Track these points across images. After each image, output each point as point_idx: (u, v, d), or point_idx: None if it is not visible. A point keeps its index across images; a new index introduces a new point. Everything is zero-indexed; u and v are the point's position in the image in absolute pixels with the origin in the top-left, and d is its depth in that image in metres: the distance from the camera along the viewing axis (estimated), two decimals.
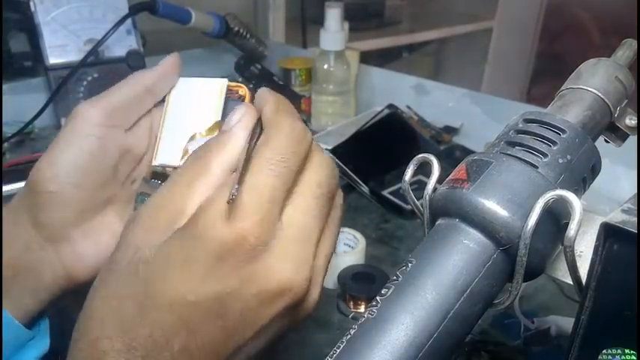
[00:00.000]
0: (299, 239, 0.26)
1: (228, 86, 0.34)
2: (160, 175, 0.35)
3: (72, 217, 0.33)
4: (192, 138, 0.34)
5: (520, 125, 0.27)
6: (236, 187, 0.25)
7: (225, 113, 0.34)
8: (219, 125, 0.33)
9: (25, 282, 0.32)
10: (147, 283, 0.25)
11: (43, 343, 0.33)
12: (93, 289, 0.27)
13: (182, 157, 0.34)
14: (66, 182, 0.32)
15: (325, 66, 0.85)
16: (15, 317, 0.31)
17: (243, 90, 0.34)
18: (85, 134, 0.32)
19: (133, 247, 0.26)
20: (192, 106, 0.35)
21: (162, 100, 0.36)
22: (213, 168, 0.27)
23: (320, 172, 0.28)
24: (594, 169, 0.27)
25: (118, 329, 0.24)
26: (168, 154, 0.34)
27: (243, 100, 0.34)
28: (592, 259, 0.22)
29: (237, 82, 0.35)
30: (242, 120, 0.29)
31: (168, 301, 0.24)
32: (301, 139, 0.28)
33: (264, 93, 0.30)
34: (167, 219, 0.26)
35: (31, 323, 0.33)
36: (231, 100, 0.34)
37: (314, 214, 0.27)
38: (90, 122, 0.33)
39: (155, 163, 0.35)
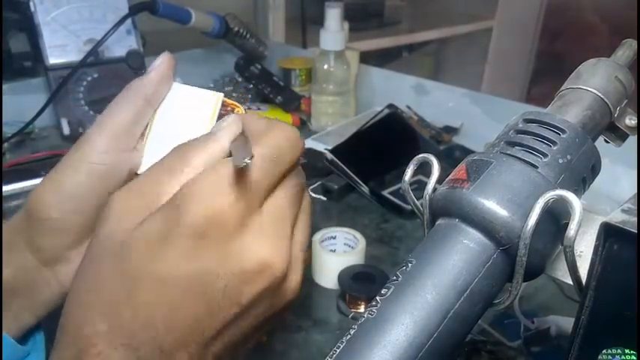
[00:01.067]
0: (276, 221, 0.28)
1: (224, 102, 0.33)
2: None
3: (71, 241, 0.33)
4: None
5: (520, 125, 0.27)
6: (247, 158, 0.25)
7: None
8: None
9: (24, 301, 0.32)
10: (126, 264, 0.25)
11: (39, 359, 0.33)
12: (74, 279, 0.27)
13: None
14: (68, 209, 0.32)
15: (325, 66, 0.85)
16: (12, 334, 0.32)
17: (240, 110, 0.33)
18: (94, 161, 0.32)
19: (109, 233, 0.26)
20: (184, 116, 0.33)
21: None
22: (193, 162, 0.28)
23: (300, 173, 0.31)
24: (594, 169, 0.27)
25: (101, 312, 0.25)
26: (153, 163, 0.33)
27: None
28: (592, 259, 0.22)
29: (234, 101, 0.34)
30: (230, 126, 0.29)
31: (150, 281, 0.25)
32: (295, 143, 0.29)
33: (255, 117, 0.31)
34: (142, 203, 0.27)
35: (26, 338, 0.33)
36: (225, 116, 0.33)
37: (289, 204, 0.29)
38: (98, 150, 0.32)
39: (139, 171, 0.33)
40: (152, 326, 0.25)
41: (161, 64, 0.33)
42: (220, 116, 0.32)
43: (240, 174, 0.26)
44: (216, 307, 0.25)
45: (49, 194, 0.32)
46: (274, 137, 0.28)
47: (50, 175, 0.32)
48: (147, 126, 0.34)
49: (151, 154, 0.33)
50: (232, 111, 0.33)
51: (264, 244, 0.26)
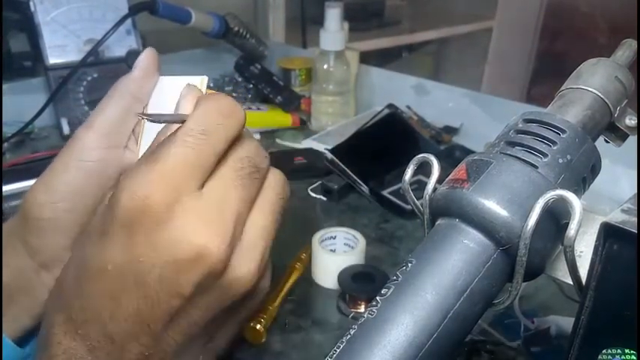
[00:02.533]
0: (214, 205, 0.26)
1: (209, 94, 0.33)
2: None
3: (66, 241, 0.33)
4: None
5: (520, 125, 0.27)
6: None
7: None
8: None
9: (22, 304, 0.32)
10: (81, 257, 0.27)
11: None
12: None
13: None
14: (60, 208, 0.32)
15: (325, 66, 0.85)
16: (11, 337, 0.32)
17: None
18: (83, 159, 0.32)
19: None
20: (171, 104, 0.33)
21: None
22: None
23: (244, 148, 0.28)
24: (594, 169, 0.27)
25: (60, 303, 0.26)
26: None
27: None
28: (592, 259, 0.22)
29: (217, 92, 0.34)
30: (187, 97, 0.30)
31: (94, 272, 0.26)
32: (228, 113, 0.27)
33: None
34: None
35: (25, 340, 0.33)
36: None
37: (234, 184, 0.27)
38: (88, 146, 0.32)
39: None
40: (99, 317, 0.25)
41: (144, 59, 0.33)
42: None
43: (166, 158, 0.25)
44: (156, 298, 0.25)
45: (40, 194, 0.32)
46: (203, 111, 0.27)
47: (42, 175, 0.32)
48: (140, 122, 0.34)
49: (145, 146, 0.33)
50: None
51: (199, 230, 0.25)
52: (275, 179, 0.29)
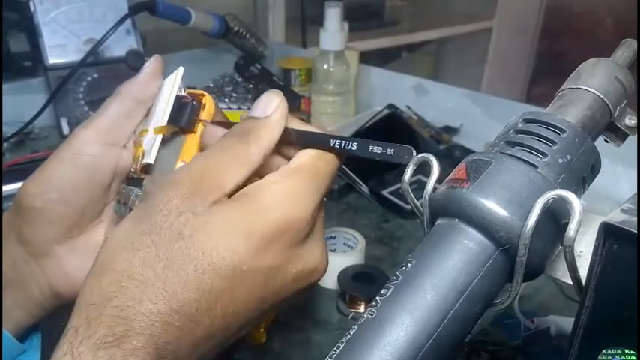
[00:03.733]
0: (321, 230, 0.31)
1: (189, 92, 0.34)
2: (136, 181, 0.34)
3: (57, 233, 0.33)
4: (145, 133, 0.34)
5: (520, 125, 0.27)
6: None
7: (177, 111, 0.33)
8: (165, 129, 0.33)
9: (14, 295, 0.32)
10: (197, 248, 0.25)
11: (34, 358, 0.33)
12: (124, 246, 0.26)
13: (135, 151, 0.34)
14: (52, 199, 0.32)
15: (325, 66, 0.85)
16: (7, 329, 0.31)
17: (207, 98, 0.33)
18: (79, 153, 0.33)
19: (175, 212, 0.26)
20: (159, 102, 0.34)
21: None
22: (252, 153, 0.29)
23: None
24: (594, 169, 0.27)
25: (162, 291, 0.24)
26: (147, 154, 0.34)
27: (202, 107, 0.33)
28: (592, 259, 0.22)
29: (200, 90, 0.35)
30: (279, 108, 0.30)
31: (225, 269, 0.25)
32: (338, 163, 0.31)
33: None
34: (206, 189, 0.27)
35: (23, 336, 0.33)
36: (188, 103, 0.33)
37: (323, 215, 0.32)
38: (84, 141, 0.33)
39: (148, 160, 0.33)
40: (210, 312, 0.25)
41: (150, 65, 0.35)
42: (184, 103, 0.33)
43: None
44: (267, 300, 0.28)
45: (34, 184, 0.32)
46: (320, 166, 0.30)
47: (39, 168, 0.33)
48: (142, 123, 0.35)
49: (147, 143, 0.34)
50: (198, 99, 0.33)
51: (318, 250, 0.30)
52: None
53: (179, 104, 0.33)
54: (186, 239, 0.25)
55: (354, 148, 0.29)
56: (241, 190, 0.28)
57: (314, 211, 0.28)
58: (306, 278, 0.29)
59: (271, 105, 0.30)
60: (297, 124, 0.31)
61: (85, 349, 0.23)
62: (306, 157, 0.30)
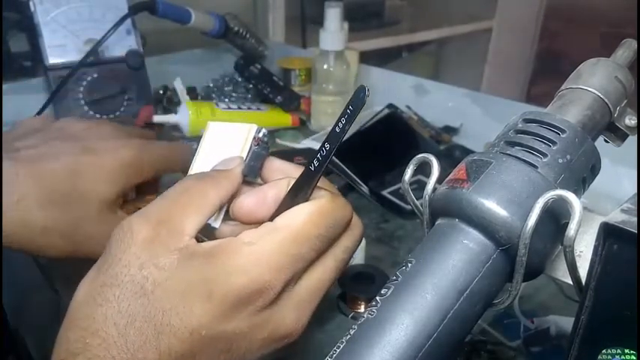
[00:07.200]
0: (312, 295, 0.29)
1: (256, 137, 0.34)
2: None
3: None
4: None
5: (520, 125, 0.27)
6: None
7: (250, 159, 0.33)
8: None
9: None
10: (158, 307, 0.25)
11: None
12: (87, 301, 0.25)
13: None
14: None
15: (325, 66, 0.85)
16: None
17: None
18: None
19: (135, 263, 0.25)
20: (219, 150, 0.34)
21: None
22: (211, 197, 0.28)
23: (352, 237, 0.30)
24: (594, 169, 0.27)
25: (124, 349, 0.24)
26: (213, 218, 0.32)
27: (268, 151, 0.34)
28: (592, 259, 0.22)
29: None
30: (239, 165, 0.31)
31: (183, 331, 0.25)
32: (346, 215, 0.30)
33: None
34: (167, 236, 0.26)
35: None
36: (257, 148, 0.33)
37: (332, 276, 0.29)
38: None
39: None
40: None
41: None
42: (253, 147, 0.33)
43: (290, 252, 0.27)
44: None
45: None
46: (324, 218, 0.28)
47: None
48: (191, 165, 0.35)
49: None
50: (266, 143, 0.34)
51: (293, 316, 0.28)
52: (355, 237, 0.31)
53: (251, 155, 0.33)
54: (149, 295, 0.25)
55: (327, 146, 0.28)
56: (214, 244, 0.27)
57: (287, 276, 0.27)
58: (274, 344, 0.28)
59: (233, 162, 0.31)
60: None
61: None
62: (294, 215, 0.28)
